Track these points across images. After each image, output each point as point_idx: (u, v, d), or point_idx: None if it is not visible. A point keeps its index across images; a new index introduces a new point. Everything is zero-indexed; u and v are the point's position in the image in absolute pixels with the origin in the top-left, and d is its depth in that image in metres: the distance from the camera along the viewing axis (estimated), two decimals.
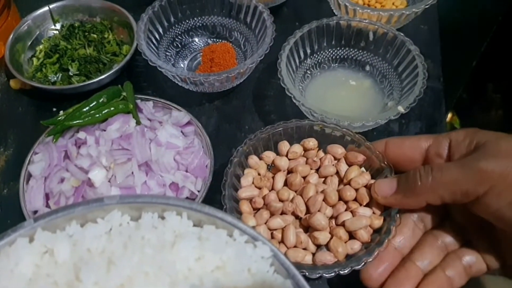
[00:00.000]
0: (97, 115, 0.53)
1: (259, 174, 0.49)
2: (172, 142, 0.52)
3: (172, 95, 0.63)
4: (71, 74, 0.64)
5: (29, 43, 0.67)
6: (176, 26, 0.66)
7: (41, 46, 0.67)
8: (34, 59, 0.66)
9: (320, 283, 0.49)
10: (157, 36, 0.63)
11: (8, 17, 0.67)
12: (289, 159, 0.50)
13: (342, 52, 0.63)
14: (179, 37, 0.67)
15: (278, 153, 0.51)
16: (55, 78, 0.64)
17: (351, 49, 0.63)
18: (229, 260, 0.33)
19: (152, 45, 0.61)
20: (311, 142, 0.50)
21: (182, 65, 0.67)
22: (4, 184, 0.57)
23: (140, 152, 0.49)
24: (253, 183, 0.49)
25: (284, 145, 0.50)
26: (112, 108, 0.54)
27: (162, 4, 0.63)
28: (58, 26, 0.69)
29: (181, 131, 0.56)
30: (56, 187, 0.50)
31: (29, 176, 0.53)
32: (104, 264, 0.32)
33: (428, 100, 0.63)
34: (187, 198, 0.50)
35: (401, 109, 0.52)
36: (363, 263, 0.42)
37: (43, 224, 0.36)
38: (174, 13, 0.65)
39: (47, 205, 0.50)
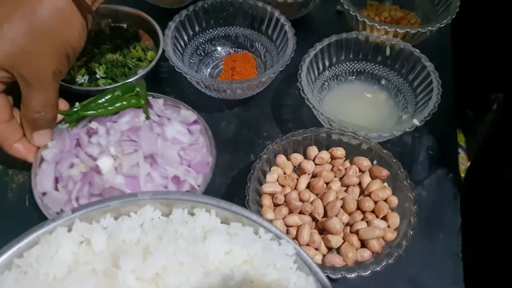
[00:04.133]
0: (110, 108, 0.56)
1: (284, 173, 0.52)
2: (178, 138, 0.55)
3: (194, 100, 0.66)
4: (98, 77, 0.66)
5: None
6: (201, 35, 0.69)
7: None
8: None
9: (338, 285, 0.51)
10: (182, 44, 0.66)
11: None
12: (316, 164, 0.52)
13: (359, 66, 0.66)
14: (203, 45, 0.70)
15: (306, 157, 0.53)
16: (83, 80, 0.67)
17: (368, 63, 0.65)
18: (256, 255, 0.35)
19: (177, 52, 0.64)
20: (339, 151, 0.53)
21: (204, 73, 0.69)
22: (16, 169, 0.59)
23: (146, 145, 0.52)
24: (277, 180, 0.51)
25: (313, 150, 0.53)
26: (124, 102, 0.56)
27: (188, 13, 0.66)
28: None
29: (188, 129, 0.58)
30: (66, 171, 0.52)
31: (42, 160, 0.55)
32: (141, 253, 0.34)
33: (439, 115, 0.65)
34: (187, 191, 0.53)
35: (416, 122, 0.54)
36: (369, 271, 0.44)
37: (79, 216, 0.38)
38: (199, 22, 0.68)
39: (56, 188, 0.53)
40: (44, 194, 0.53)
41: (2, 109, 0.51)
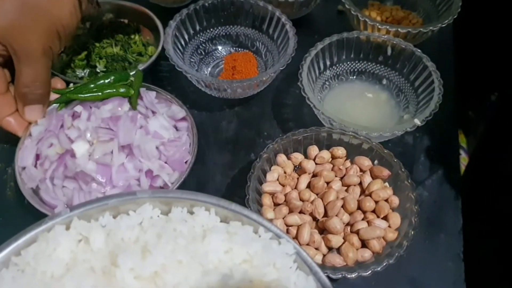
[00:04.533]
0: (98, 94, 0.56)
1: (285, 173, 0.51)
2: (159, 133, 0.55)
3: (194, 99, 0.66)
4: (98, 71, 0.66)
5: None
6: (201, 34, 0.69)
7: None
8: (63, 55, 0.69)
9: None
10: (183, 42, 0.66)
11: None
12: (316, 164, 0.52)
13: (360, 65, 0.66)
14: (203, 44, 0.70)
15: (306, 156, 0.53)
16: (83, 74, 0.67)
17: (369, 63, 0.65)
18: (255, 254, 0.35)
19: (178, 51, 0.64)
20: (340, 151, 0.52)
21: (205, 72, 0.69)
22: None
23: (123, 135, 0.51)
24: (278, 179, 0.51)
25: (313, 149, 0.53)
26: (113, 90, 0.56)
27: (189, 12, 0.65)
28: (88, 24, 0.72)
29: (175, 125, 0.58)
30: (45, 150, 0.53)
31: (29, 135, 0.56)
32: (139, 251, 0.34)
33: (441, 115, 0.65)
34: (160, 187, 0.53)
35: (417, 121, 0.54)
36: (370, 271, 0.44)
37: (78, 214, 0.38)
38: (200, 21, 0.67)
39: (36, 165, 0.54)
40: (23, 169, 0.53)
41: None
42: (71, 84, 0.58)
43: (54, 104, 0.57)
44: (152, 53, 0.67)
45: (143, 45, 0.69)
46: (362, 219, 0.48)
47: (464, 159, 1.39)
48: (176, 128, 0.57)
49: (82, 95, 0.55)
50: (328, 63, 0.64)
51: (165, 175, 0.52)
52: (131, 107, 0.56)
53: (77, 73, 0.67)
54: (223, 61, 0.69)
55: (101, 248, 0.35)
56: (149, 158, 0.52)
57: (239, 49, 0.71)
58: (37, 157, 0.54)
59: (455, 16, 0.66)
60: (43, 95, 0.54)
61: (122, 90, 0.56)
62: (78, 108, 0.55)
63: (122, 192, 0.47)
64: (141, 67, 0.64)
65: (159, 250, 0.33)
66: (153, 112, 0.57)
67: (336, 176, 0.51)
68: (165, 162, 0.53)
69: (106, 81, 0.57)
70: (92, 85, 0.56)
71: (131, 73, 0.59)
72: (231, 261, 0.34)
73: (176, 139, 0.55)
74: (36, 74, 0.52)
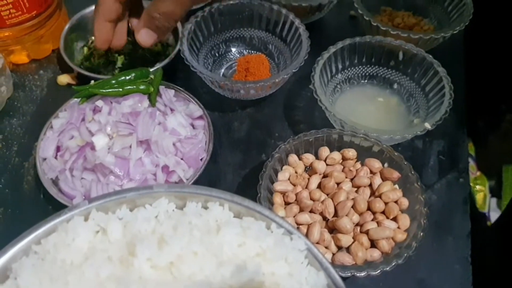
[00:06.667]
0: (119, 89, 0.58)
1: (296, 172, 0.52)
2: (177, 130, 0.56)
3: (207, 100, 0.67)
4: (116, 67, 0.68)
5: (84, 34, 0.71)
6: (216, 36, 0.70)
7: (93, 37, 0.71)
8: (85, 49, 0.70)
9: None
10: (198, 44, 0.67)
11: (59, 18, 0.72)
12: (327, 164, 0.53)
13: (371, 70, 0.67)
14: (217, 46, 0.71)
15: (317, 157, 0.54)
16: (101, 69, 0.68)
17: (381, 67, 0.66)
18: (268, 249, 0.36)
19: (193, 52, 0.65)
20: (351, 152, 0.53)
21: (218, 73, 0.70)
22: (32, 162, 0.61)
23: (142, 130, 0.53)
24: (289, 179, 0.52)
25: (324, 151, 0.54)
26: (134, 86, 0.58)
27: (204, 15, 0.67)
28: None
29: (192, 123, 0.60)
30: (66, 142, 0.55)
31: (50, 127, 0.58)
32: (156, 242, 0.35)
33: (451, 120, 0.65)
34: (176, 183, 0.54)
35: (427, 125, 0.55)
36: (379, 271, 0.45)
37: (96, 206, 0.39)
38: (215, 24, 0.69)
39: (56, 156, 0.55)
40: (44, 159, 0.55)
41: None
42: (92, 81, 0.60)
43: (76, 98, 0.58)
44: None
45: (162, 45, 0.71)
46: (372, 220, 0.49)
47: (472, 168, 1.39)
48: (193, 126, 0.59)
49: (103, 90, 0.57)
50: (340, 66, 0.65)
51: (180, 171, 0.53)
52: (151, 104, 0.57)
53: (95, 67, 0.68)
54: (236, 63, 0.70)
55: (119, 239, 0.37)
56: (165, 154, 0.53)
57: (252, 52, 0.72)
58: (58, 149, 0.55)
59: (467, 24, 0.67)
60: (165, 29, 0.58)
61: (142, 87, 0.58)
62: (99, 103, 0.56)
63: (139, 186, 0.48)
64: (157, 65, 0.65)
65: (175, 241, 0.34)
66: (172, 110, 0.58)
67: (346, 177, 0.52)
68: (181, 159, 0.54)
69: (127, 77, 0.59)
70: (113, 81, 0.58)
71: (151, 70, 0.61)
72: (244, 254, 0.35)
73: (193, 136, 0.56)
74: (174, 10, 0.55)
